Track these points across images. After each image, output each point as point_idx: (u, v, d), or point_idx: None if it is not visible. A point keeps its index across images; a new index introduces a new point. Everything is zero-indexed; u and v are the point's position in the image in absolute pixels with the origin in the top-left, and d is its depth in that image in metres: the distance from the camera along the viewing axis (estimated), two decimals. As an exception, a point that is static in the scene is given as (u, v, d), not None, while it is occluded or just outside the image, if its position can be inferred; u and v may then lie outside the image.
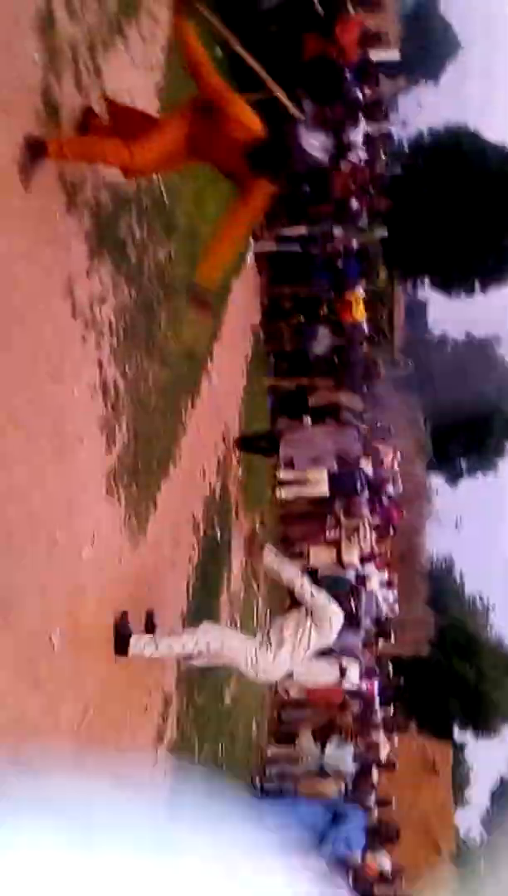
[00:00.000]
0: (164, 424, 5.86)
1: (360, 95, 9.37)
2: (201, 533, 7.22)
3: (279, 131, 4.21)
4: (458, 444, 33.53)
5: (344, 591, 13.30)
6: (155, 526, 5.49)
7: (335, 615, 5.21)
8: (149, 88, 5.77)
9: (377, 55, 10.08)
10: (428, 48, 40.45)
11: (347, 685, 11.23)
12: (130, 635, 4.67)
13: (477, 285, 30.00)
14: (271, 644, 5.12)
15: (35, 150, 3.53)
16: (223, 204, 8.56)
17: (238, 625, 8.90)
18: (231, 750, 8.04)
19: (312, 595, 5.11)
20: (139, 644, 4.71)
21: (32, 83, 3.69)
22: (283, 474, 11.98)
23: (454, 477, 36.80)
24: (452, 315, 39.52)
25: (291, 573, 5.26)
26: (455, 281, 31.01)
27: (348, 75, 9.01)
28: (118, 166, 4.05)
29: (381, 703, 13.37)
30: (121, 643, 4.62)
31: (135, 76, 5.35)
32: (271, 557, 5.28)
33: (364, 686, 12.28)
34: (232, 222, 4.24)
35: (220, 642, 5.01)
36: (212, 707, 7.30)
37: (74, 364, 4.08)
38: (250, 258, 10.70)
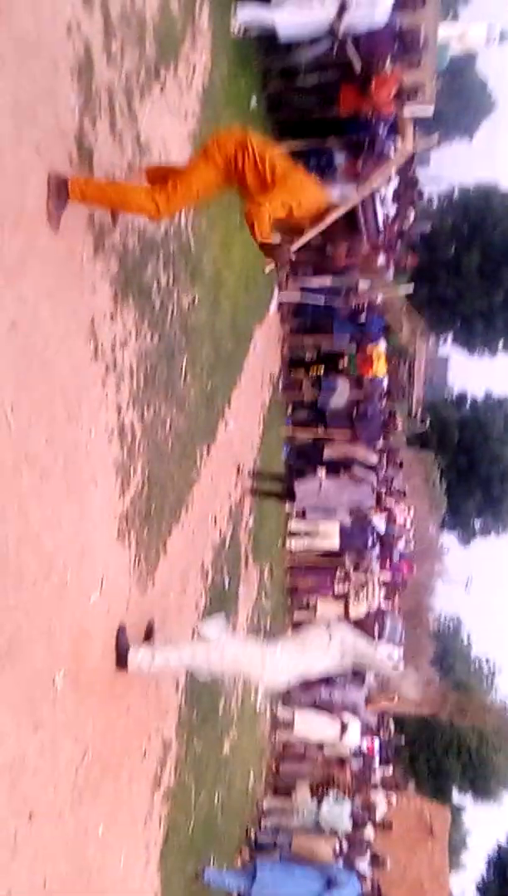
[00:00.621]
0: (178, 470, 5.82)
1: (392, 150, 9.47)
2: (209, 581, 7.13)
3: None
4: (472, 503, 33.28)
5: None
6: (164, 571, 5.41)
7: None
8: (183, 135, 5.84)
9: (411, 111, 10.21)
10: (464, 106, 40.89)
11: (347, 743, 11.03)
12: (128, 648, 4.56)
13: (501, 344, 30.02)
14: (278, 645, 5.06)
15: (59, 190, 3.51)
16: (249, 252, 8.67)
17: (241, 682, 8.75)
18: (228, 799, 7.84)
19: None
20: (138, 657, 4.59)
21: (67, 126, 3.72)
22: (294, 525, 11.90)
23: (467, 537, 36.46)
24: (472, 372, 39.56)
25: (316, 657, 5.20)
26: (478, 339, 31.08)
27: (381, 130, 9.13)
28: (142, 215, 4.03)
29: (381, 762, 13.09)
30: (121, 657, 4.52)
31: (170, 123, 5.42)
32: None
33: (365, 744, 12.02)
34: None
35: (220, 652, 4.87)
36: (210, 755, 7.13)
37: (93, 406, 4.05)
38: (273, 307, 10.76)
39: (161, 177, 4.08)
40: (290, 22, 7.66)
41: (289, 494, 9.88)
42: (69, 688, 3.73)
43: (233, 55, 7.35)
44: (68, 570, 3.71)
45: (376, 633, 10.57)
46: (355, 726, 11.37)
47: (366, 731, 11.89)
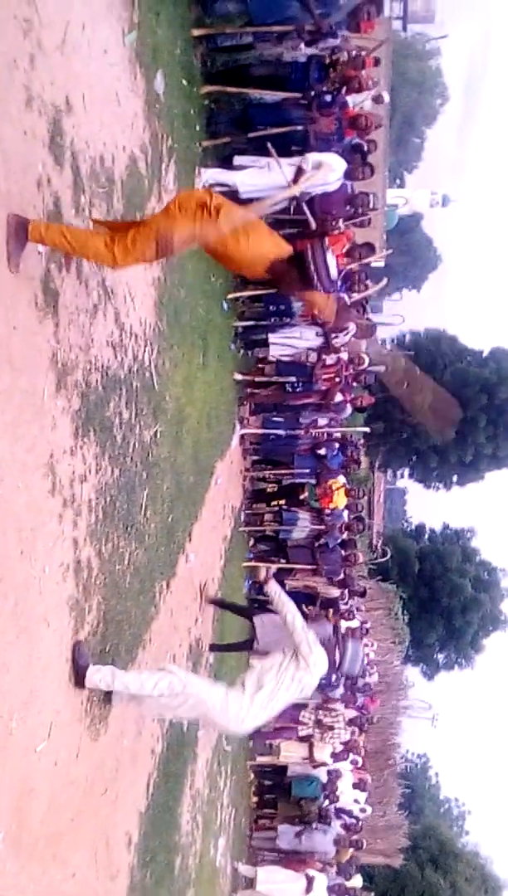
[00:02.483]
0: (136, 607, 5.69)
1: (346, 300, 9.93)
2: (167, 723, 6.85)
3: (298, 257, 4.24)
4: (435, 635, 32.97)
5: (313, 796, 12.60)
6: (118, 715, 5.19)
7: (321, 658, 5.11)
8: (147, 281, 6.06)
9: (362, 264, 10.78)
10: (412, 260, 43.88)
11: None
12: (86, 666, 4.36)
13: (455, 478, 30.62)
14: (245, 688, 4.89)
15: (18, 231, 3.49)
16: (212, 388, 8.86)
17: (200, 830, 8.31)
18: None
19: (303, 629, 5.08)
20: (96, 676, 4.43)
21: (34, 272, 3.84)
22: (256, 660, 11.61)
23: (431, 671, 35.87)
24: (429, 504, 40.09)
25: (285, 599, 5.31)
26: (432, 474, 31.72)
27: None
28: (98, 263, 4.06)
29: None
30: (78, 674, 4.32)
31: (135, 269, 5.62)
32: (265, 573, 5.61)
33: (333, 902, 11.33)
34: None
35: (183, 685, 4.72)
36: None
37: (48, 542, 3.99)
38: (235, 441, 10.91)
39: (122, 228, 4.09)
40: (250, 183, 8.15)
41: (250, 642, 9.49)
42: (9, 851, 3.47)
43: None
44: (14, 717, 3.54)
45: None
46: (321, 881, 10.75)
47: (333, 889, 11.22)
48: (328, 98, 8.53)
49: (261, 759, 13.07)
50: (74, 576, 4.35)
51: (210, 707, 4.83)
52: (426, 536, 36.56)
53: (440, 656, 35.28)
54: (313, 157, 8.40)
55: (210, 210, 3.98)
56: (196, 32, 7.80)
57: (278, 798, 13.34)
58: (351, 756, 13.34)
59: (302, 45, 8.27)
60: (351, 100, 9.22)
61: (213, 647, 9.05)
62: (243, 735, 5.09)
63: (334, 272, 4.15)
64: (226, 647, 9.51)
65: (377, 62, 9.46)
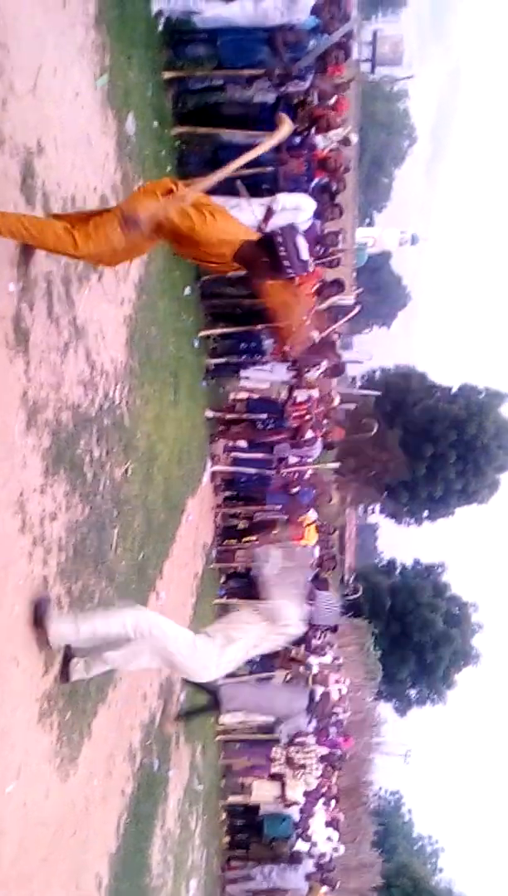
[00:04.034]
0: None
1: (316, 337, 10.06)
2: (137, 764, 6.77)
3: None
4: (407, 671, 32.91)
5: (285, 835, 12.44)
6: (88, 755, 5.13)
7: (296, 618, 5.12)
8: (119, 320, 6.11)
9: (333, 300, 10.94)
10: (382, 298, 44.64)
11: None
12: (49, 617, 4.19)
13: (425, 514, 30.83)
14: (215, 639, 4.76)
15: None
16: (183, 426, 8.89)
17: (171, 871, 8.16)
18: None
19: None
20: (60, 626, 4.25)
21: (5, 311, 3.87)
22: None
23: (403, 707, 35.74)
24: (400, 540, 40.25)
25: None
26: (403, 509, 31.92)
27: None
28: (62, 253, 3.94)
29: None
30: (40, 624, 4.16)
31: (106, 309, 5.67)
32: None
33: None
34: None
35: (149, 626, 4.53)
36: None
37: (18, 580, 3.97)
38: (206, 478, 10.92)
39: (83, 218, 4.00)
40: None
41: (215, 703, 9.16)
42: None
43: (169, 250, 7.86)
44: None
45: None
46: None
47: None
48: (297, 140, 8.71)
49: (233, 799, 12.90)
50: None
51: (175, 652, 4.64)
52: (398, 572, 36.65)
53: (413, 692, 35.18)
54: (283, 197, 8.55)
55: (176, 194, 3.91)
56: (167, 75, 7.95)
57: (250, 838, 13.16)
58: (323, 799, 13.25)
59: (271, 89, 8.46)
60: (320, 140, 9.42)
61: (179, 717, 8.63)
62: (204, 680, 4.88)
63: (305, 254, 4.01)
64: (192, 711, 9.21)
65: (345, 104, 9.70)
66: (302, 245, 3.99)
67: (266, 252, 3.99)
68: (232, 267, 4.12)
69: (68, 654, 4.52)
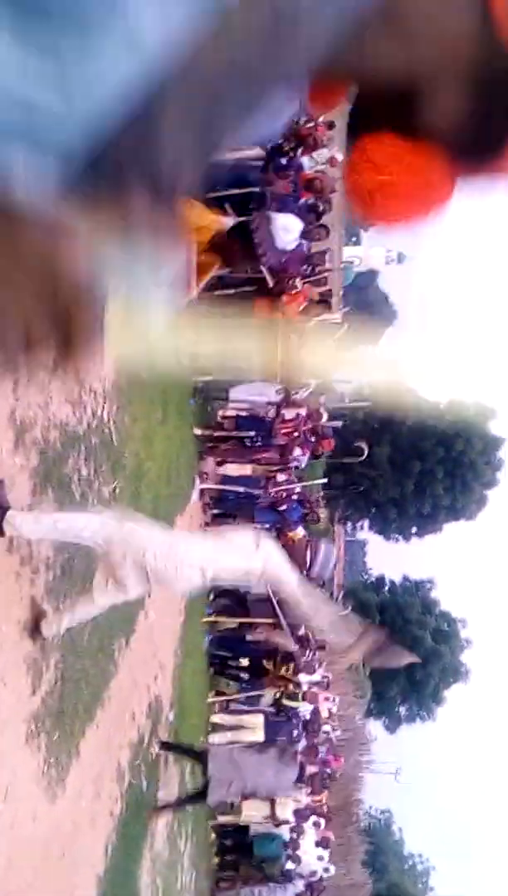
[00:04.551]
0: (94, 664, 5.63)
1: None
2: (126, 784, 6.73)
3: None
4: (397, 688, 32.84)
5: (275, 855, 12.35)
6: (76, 776, 5.10)
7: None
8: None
9: (320, 319, 11.02)
10: (369, 316, 45.04)
11: None
12: (8, 508, 3.85)
13: (414, 530, 30.88)
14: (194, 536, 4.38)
15: None
16: (172, 444, 8.90)
17: (160, 893, 8.10)
18: None
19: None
20: (19, 519, 3.87)
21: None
22: (218, 718, 11.52)
23: (393, 724, 35.64)
24: (389, 556, 40.27)
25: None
26: (392, 525, 31.97)
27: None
28: None
29: None
30: None
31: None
32: None
33: None
34: None
35: (120, 528, 4.10)
36: None
37: (5, 600, 3.96)
38: (194, 496, 10.93)
39: None
40: None
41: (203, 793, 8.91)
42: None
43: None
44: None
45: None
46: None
47: None
48: (284, 161, 8.81)
49: (222, 819, 12.81)
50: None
51: (154, 544, 4.17)
52: (387, 588, 36.65)
53: (402, 709, 35.10)
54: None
55: None
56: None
57: (240, 859, 13.05)
58: (313, 818, 13.17)
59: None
60: (306, 161, 9.52)
61: (162, 808, 8.47)
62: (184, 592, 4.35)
63: (281, 242, 3.93)
64: (178, 802, 9.03)
65: (331, 126, 9.80)
66: (279, 233, 3.90)
67: (241, 240, 3.87)
68: (209, 257, 4.03)
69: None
